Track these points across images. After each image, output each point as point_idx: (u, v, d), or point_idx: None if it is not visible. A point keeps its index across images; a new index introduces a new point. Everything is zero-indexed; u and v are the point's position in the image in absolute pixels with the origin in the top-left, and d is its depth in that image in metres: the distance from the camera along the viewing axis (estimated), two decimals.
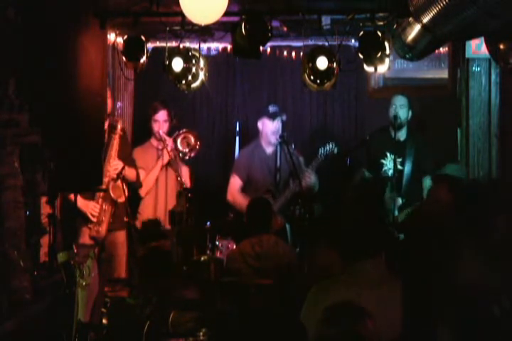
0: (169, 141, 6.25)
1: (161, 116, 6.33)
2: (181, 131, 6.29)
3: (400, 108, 6.21)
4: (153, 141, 6.46)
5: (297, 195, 6.17)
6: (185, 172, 6.34)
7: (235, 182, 6.53)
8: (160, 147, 6.36)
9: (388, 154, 6.24)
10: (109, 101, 5.75)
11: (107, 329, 4.08)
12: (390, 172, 6.19)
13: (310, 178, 6.26)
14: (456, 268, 3.16)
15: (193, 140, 6.26)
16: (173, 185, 6.32)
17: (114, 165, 5.69)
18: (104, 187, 5.53)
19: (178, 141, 6.24)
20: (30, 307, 3.68)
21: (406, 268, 3.49)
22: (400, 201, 6.07)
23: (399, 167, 6.18)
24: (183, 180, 6.07)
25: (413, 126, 6.40)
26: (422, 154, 6.22)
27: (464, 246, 3.30)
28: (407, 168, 6.20)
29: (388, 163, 6.25)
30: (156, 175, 6.36)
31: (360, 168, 6.38)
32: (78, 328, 3.80)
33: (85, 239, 5.68)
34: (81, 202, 5.62)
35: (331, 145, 6.28)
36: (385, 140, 6.28)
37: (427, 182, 6.11)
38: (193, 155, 6.27)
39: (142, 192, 6.35)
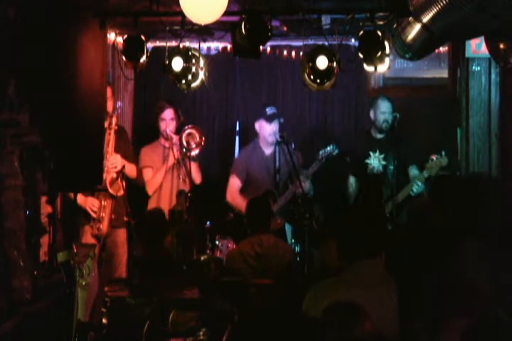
0: (176, 139, 6.27)
1: (168, 114, 6.36)
2: (186, 127, 6.30)
3: (389, 114, 6.29)
4: (162, 140, 6.48)
5: (297, 195, 6.17)
6: (194, 168, 6.33)
7: (234, 183, 6.53)
8: (167, 145, 6.37)
9: (371, 153, 6.34)
10: (110, 101, 5.76)
11: (107, 329, 4.08)
12: (375, 170, 6.33)
13: (305, 185, 6.21)
14: (461, 269, 3.16)
15: (197, 136, 6.26)
16: (179, 184, 6.33)
17: (112, 159, 5.70)
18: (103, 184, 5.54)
19: (183, 137, 6.24)
20: (30, 307, 3.67)
21: (407, 268, 3.49)
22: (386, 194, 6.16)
23: (382, 162, 6.30)
24: (192, 176, 6.08)
25: (412, 125, 6.47)
26: (403, 146, 6.26)
27: (469, 247, 3.30)
28: (390, 162, 6.25)
29: (373, 162, 6.34)
30: (162, 176, 6.37)
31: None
32: (78, 328, 3.81)
33: (87, 238, 5.68)
34: (80, 198, 5.62)
35: (331, 147, 6.28)
36: (366, 142, 6.43)
37: (413, 171, 6.27)
38: (197, 151, 6.27)
39: (149, 191, 6.38)
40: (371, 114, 6.40)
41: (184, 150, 6.22)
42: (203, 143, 6.26)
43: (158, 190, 6.41)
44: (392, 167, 6.22)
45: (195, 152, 6.25)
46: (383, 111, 6.30)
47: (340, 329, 2.58)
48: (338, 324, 2.61)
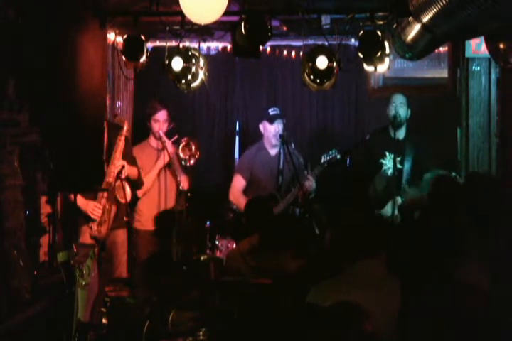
0: (168, 142, 6.25)
1: (162, 115, 6.33)
2: (183, 138, 6.28)
3: (400, 106, 6.18)
4: (152, 141, 6.45)
5: (298, 197, 6.17)
6: (183, 179, 6.34)
7: (238, 183, 6.51)
8: (159, 147, 6.35)
9: (387, 153, 6.22)
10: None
11: (107, 329, 4.08)
12: (390, 172, 6.14)
13: (311, 183, 6.20)
14: (462, 269, 3.16)
15: (193, 148, 6.25)
16: (172, 185, 6.33)
17: (118, 165, 5.69)
18: (108, 187, 5.55)
19: (180, 147, 6.22)
20: (30, 307, 3.67)
21: (408, 268, 3.49)
22: (399, 200, 6.05)
23: (398, 166, 6.14)
24: (180, 181, 6.08)
25: (413, 125, 6.39)
26: (421, 153, 6.18)
27: (470, 246, 3.30)
28: (406, 166, 6.17)
29: (388, 163, 6.21)
30: (154, 175, 6.35)
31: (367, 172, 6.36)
32: (78, 328, 3.81)
33: (85, 238, 5.67)
34: (81, 202, 5.62)
35: (333, 152, 6.24)
36: (383, 139, 6.24)
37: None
38: (192, 163, 6.26)
39: (139, 192, 6.35)
40: (387, 110, 6.27)
41: (183, 162, 6.20)
42: (197, 156, 6.25)
43: (154, 190, 6.40)
44: (408, 172, 6.12)
45: (190, 163, 6.23)
46: (392, 101, 6.19)
47: (341, 329, 2.58)
48: (339, 324, 2.61)
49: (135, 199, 6.36)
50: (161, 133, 6.27)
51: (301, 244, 4.78)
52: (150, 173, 6.33)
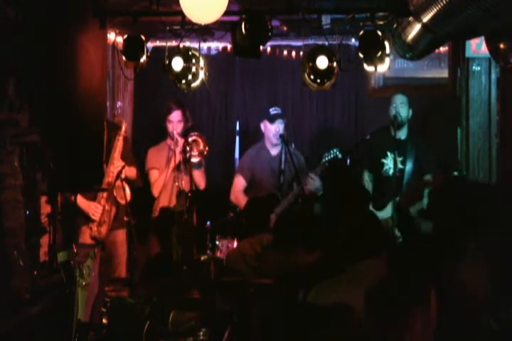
0: (181, 142, 6.25)
1: (175, 116, 6.34)
2: (192, 134, 6.28)
3: (401, 106, 6.15)
4: (169, 141, 6.46)
5: (299, 196, 6.16)
6: (198, 175, 6.33)
7: (239, 183, 6.51)
8: (173, 147, 6.36)
9: (389, 153, 6.18)
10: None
11: (107, 329, 4.08)
12: (391, 172, 6.11)
13: (314, 182, 6.19)
14: (462, 270, 3.16)
15: (202, 144, 6.24)
16: (182, 185, 6.32)
17: (117, 166, 5.69)
18: (108, 187, 5.55)
19: (187, 143, 6.21)
20: (30, 307, 3.67)
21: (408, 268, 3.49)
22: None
23: (399, 166, 6.13)
24: (196, 182, 6.13)
25: (414, 125, 6.38)
26: (422, 153, 6.17)
27: (470, 248, 3.29)
28: (408, 167, 6.15)
29: (389, 163, 6.19)
30: (166, 175, 6.36)
31: (360, 171, 6.35)
32: (78, 328, 3.81)
33: (85, 238, 5.68)
34: (83, 203, 5.62)
35: (335, 151, 6.23)
36: (385, 139, 6.20)
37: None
38: (199, 159, 6.26)
39: (155, 192, 6.37)
40: (388, 110, 6.25)
41: (187, 156, 6.19)
42: (205, 152, 6.24)
43: (164, 191, 6.40)
44: (410, 173, 6.11)
45: (196, 159, 6.23)
46: (393, 101, 6.16)
47: (341, 329, 2.59)
48: (339, 324, 2.61)
49: (152, 199, 6.37)
50: (175, 134, 6.27)
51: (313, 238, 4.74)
52: (163, 173, 6.35)
